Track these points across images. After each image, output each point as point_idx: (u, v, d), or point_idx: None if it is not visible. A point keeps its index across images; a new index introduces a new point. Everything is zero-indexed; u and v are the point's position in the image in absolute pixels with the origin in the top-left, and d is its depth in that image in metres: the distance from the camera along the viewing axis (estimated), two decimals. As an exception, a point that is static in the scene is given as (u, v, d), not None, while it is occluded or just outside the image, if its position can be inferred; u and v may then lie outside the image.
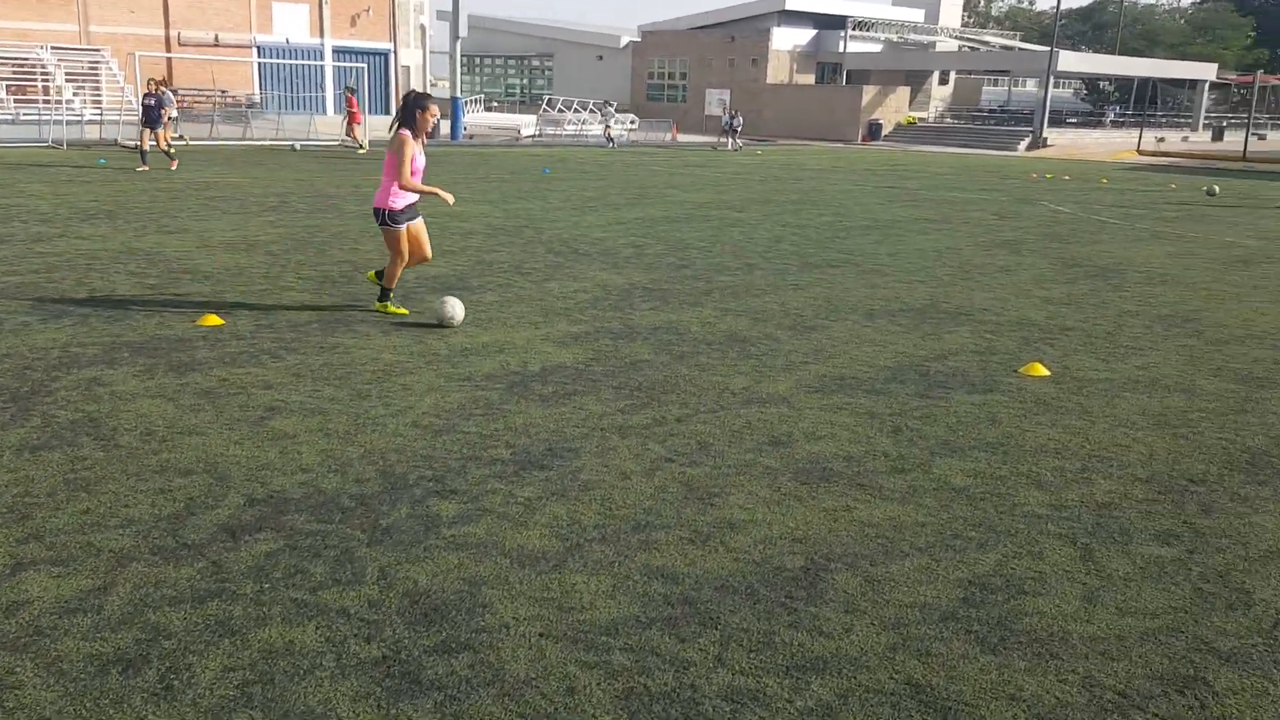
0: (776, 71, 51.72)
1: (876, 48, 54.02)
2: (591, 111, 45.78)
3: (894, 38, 54.43)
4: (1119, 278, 11.26)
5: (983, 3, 79.45)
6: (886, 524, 4.39)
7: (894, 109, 49.45)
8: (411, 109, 7.70)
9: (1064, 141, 45.30)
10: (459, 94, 37.01)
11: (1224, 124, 50.92)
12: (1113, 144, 45.78)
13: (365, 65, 32.68)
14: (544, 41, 62.29)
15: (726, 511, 4.45)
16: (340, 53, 44.13)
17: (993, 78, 63.14)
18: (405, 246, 8.03)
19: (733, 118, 38.02)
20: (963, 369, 7.05)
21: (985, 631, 3.53)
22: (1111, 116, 49.88)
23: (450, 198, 8.25)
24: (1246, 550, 4.29)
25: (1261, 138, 53.79)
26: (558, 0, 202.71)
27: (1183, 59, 57.09)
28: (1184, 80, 55.07)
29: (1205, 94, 53.49)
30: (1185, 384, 6.88)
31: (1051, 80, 44.49)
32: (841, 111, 48.38)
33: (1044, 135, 44.01)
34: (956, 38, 56.33)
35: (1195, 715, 3.12)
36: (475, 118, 41.46)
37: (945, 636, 3.49)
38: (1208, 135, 51.49)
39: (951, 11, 58.45)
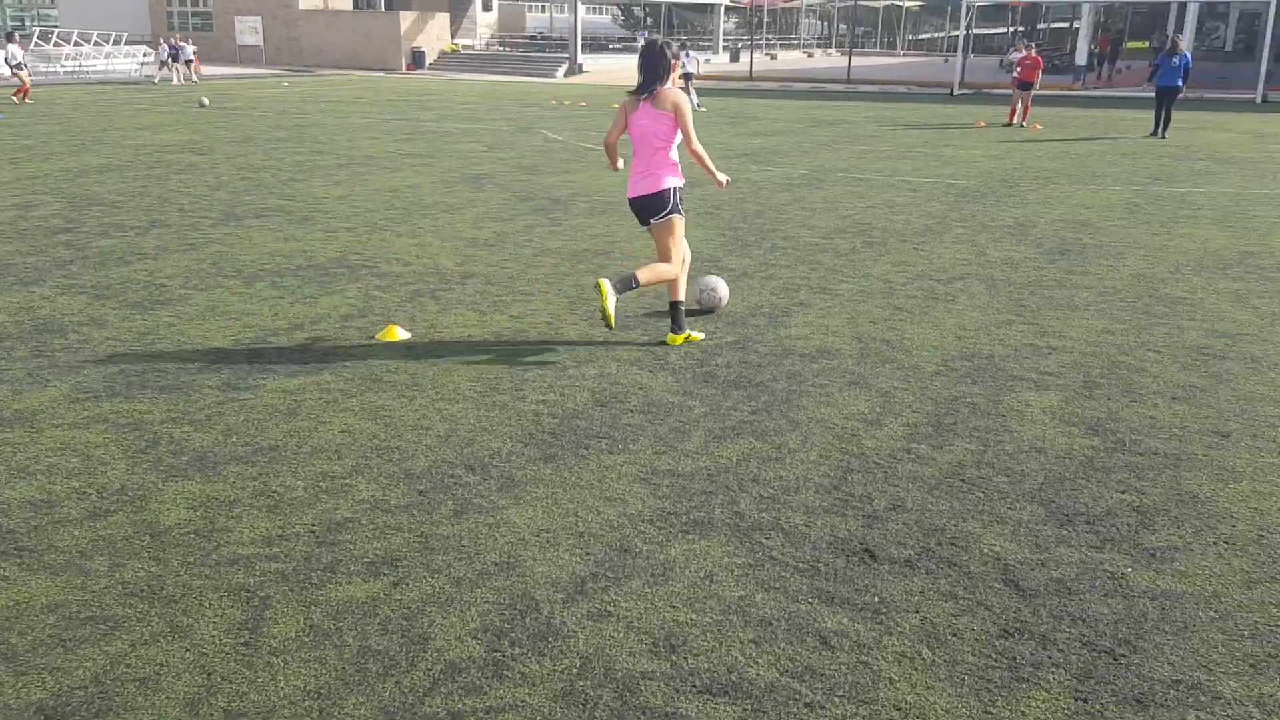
0: (309, -4, 48.61)
1: (415, -28, 52.42)
2: (97, 45, 40.43)
3: (431, -39, 53.07)
4: (562, 210, 11.27)
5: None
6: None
7: (435, 36, 48.40)
8: (669, 61, 6.12)
9: (600, 67, 46.79)
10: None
11: (738, 46, 55.21)
12: (644, 67, 48.01)
13: None
14: (35, -36, 54.04)
15: None
16: None
17: (536, 4, 63.89)
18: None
19: (175, 47, 34.39)
20: (311, 344, 6.39)
21: None
22: (642, 41, 52.31)
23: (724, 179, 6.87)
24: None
25: (773, 57, 59.09)
26: None
27: (703, -15, 61.05)
28: (705, 4, 58.96)
29: (721, 18, 57.67)
30: (552, 334, 6.72)
31: (580, 6, 45.57)
32: (381, 39, 46.54)
33: (579, 61, 45.15)
34: (494, -37, 56.14)
35: None
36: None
37: None
38: (727, 57, 55.62)
39: (488, -65, 58.02)
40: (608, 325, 6.15)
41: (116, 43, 41.19)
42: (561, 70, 44.86)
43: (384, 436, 4.84)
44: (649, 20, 65.75)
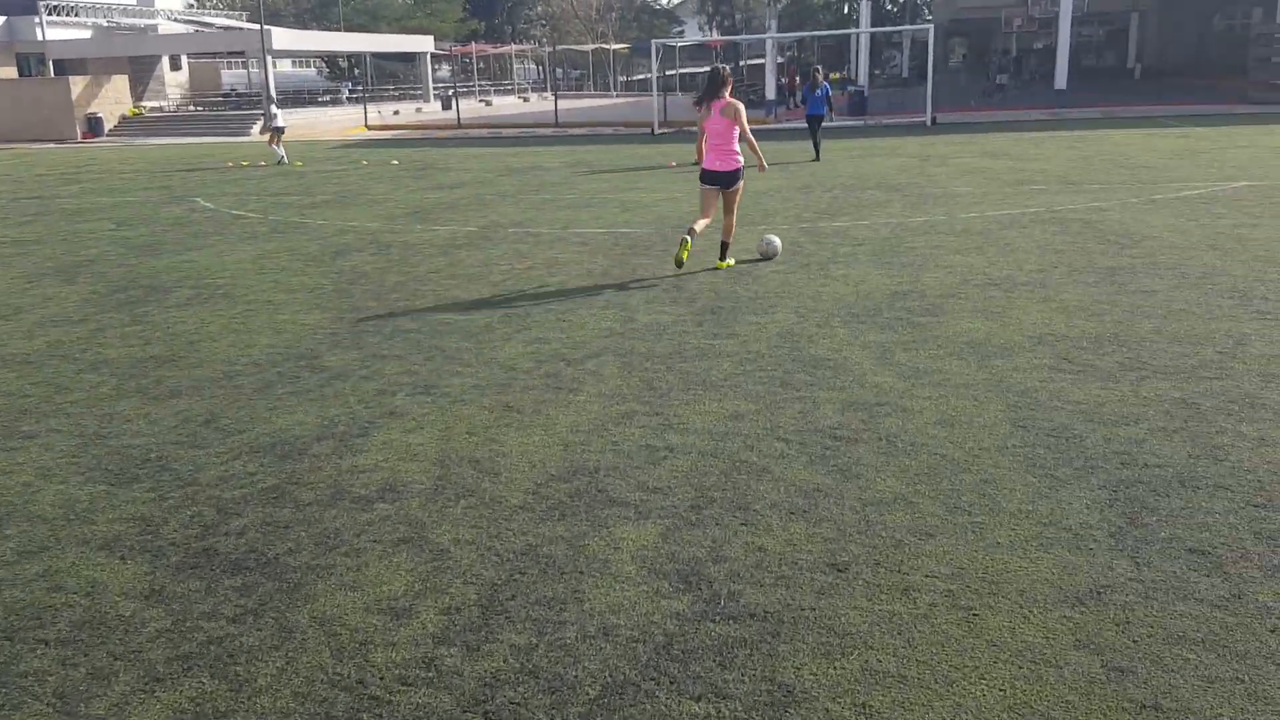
0: (-46, 64, 43.22)
1: (87, 34, 47.85)
2: None
3: (103, 22, 48.67)
4: (155, 302, 9.38)
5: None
6: None
7: (114, 100, 44.18)
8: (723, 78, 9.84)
9: (299, 121, 44.11)
10: None
11: (450, 93, 53.90)
12: (347, 120, 45.80)
13: None
14: None
15: None
16: None
17: (230, 60, 60.10)
18: None
19: None
20: None
21: None
22: (345, 93, 49.98)
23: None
24: None
25: (488, 104, 58.17)
26: None
27: (408, 33, 59.41)
28: (412, 54, 57.30)
29: (429, 65, 56.18)
30: None
31: (271, 59, 42.87)
32: (51, 107, 41.91)
33: (274, 114, 42.38)
34: (177, 19, 52.23)
35: None
36: None
37: None
38: (439, 105, 54.16)
39: (167, -9, 54.10)
40: (678, 265, 9.73)
41: None
42: (256, 127, 41.94)
43: None
44: (356, 72, 63.41)
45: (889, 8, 67.60)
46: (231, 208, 16.72)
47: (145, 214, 16.20)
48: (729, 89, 9.70)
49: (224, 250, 12.32)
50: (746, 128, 9.67)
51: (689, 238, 9.61)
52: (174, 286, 10.18)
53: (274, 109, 28.20)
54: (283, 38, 45.05)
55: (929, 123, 29.88)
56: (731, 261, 10.08)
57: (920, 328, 7.56)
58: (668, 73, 76.74)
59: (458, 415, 5.97)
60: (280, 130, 27.02)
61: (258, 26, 43.93)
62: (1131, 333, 7.20)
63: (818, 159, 20.71)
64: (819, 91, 21.35)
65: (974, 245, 10.80)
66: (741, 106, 9.61)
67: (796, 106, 41.05)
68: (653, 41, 35.45)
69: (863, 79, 39.94)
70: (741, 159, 9.80)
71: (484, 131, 38.44)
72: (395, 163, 24.93)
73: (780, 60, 79.00)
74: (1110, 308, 7.93)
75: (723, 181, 9.82)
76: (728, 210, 9.94)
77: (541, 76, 79.43)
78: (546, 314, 8.48)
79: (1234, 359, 6.50)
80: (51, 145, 38.73)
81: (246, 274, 10.76)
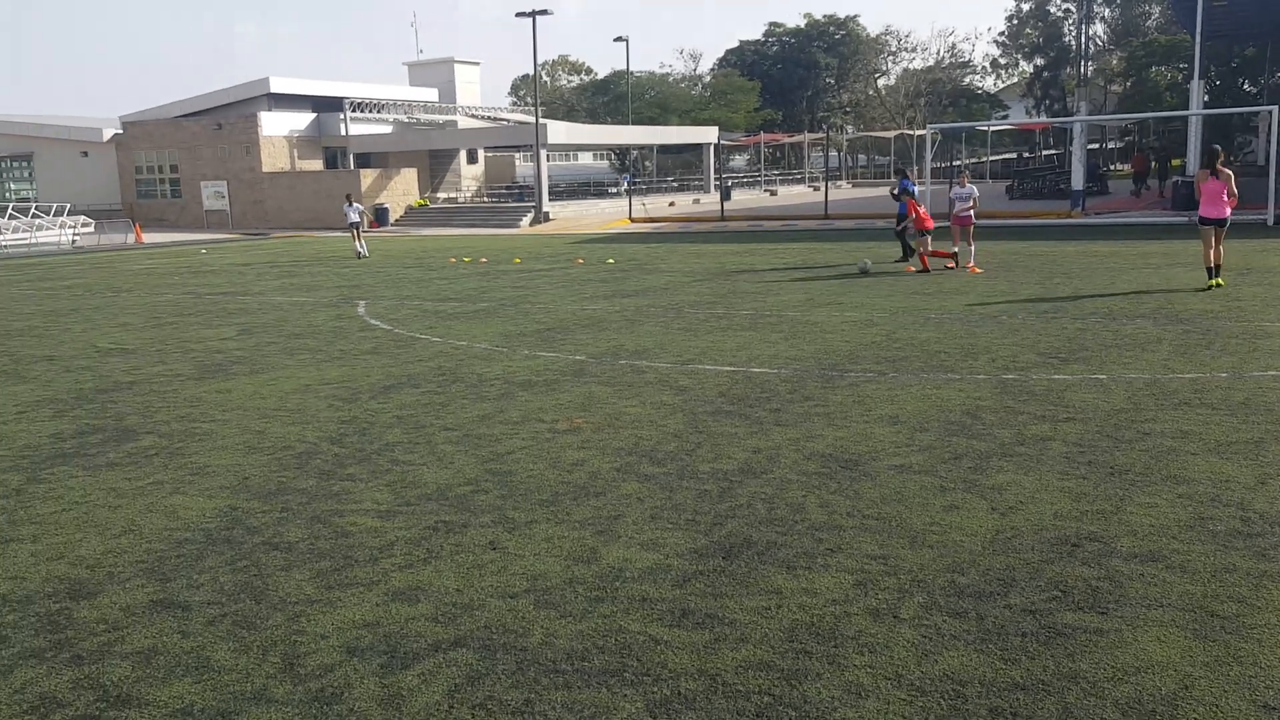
0: (273, 158, 46.97)
1: (387, 129, 50.85)
2: (34, 216, 38.72)
3: (404, 118, 51.55)
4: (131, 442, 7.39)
5: (547, 77, 79.21)
6: None
7: (402, 191, 46.24)
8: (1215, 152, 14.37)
9: (567, 214, 44.03)
10: None
11: (729, 184, 52.31)
12: (615, 212, 45.16)
13: None
14: (17, 140, 53.69)
15: None
16: None
17: (526, 152, 62.17)
18: None
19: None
20: None
21: None
22: (625, 185, 49.66)
23: None
24: None
25: (773, 193, 56.11)
26: (38, 92, 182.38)
27: (698, 124, 58.79)
28: (697, 145, 56.51)
29: (711, 156, 54.97)
30: None
31: (546, 153, 43.08)
32: (341, 198, 44.45)
33: (545, 210, 42.41)
34: (472, 115, 54.48)
35: None
36: None
37: None
38: (718, 195, 52.70)
39: (469, 90, 56.72)
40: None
41: (58, 214, 39.50)
42: (527, 219, 42.12)
43: None
44: (646, 164, 63.70)
45: (1245, 87, 59.02)
46: (377, 314, 15.10)
47: (278, 319, 14.89)
48: (1220, 160, 13.90)
49: (279, 377, 10.36)
50: (1234, 189, 13.79)
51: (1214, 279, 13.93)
52: (136, 431, 8.20)
53: (353, 205, 27.78)
54: (558, 131, 45.32)
55: (1269, 222, 24.04)
56: (1222, 281, 13.93)
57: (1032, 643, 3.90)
58: (983, 159, 71.64)
59: None
60: (357, 225, 27.21)
61: (544, 121, 44.67)
62: None
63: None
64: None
65: (1252, 436, 6.70)
66: (1231, 175, 13.79)
67: (1142, 195, 35.75)
68: (929, 127, 31.63)
69: (1191, 167, 33.84)
70: (1228, 210, 13.78)
71: (744, 224, 36.11)
72: (611, 261, 22.94)
73: (1117, 145, 71.58)
74: None
75: (1213, 224, 13.81)
76: (1216, 244, 13.85)
77: (839, 164, 76.66)
78: (490, 528, 5.54)
79: None
80: (336, 234, 40.68)
81: (249, 416, 8.64)
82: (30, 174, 54.55)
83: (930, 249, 17.98)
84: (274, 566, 5.26)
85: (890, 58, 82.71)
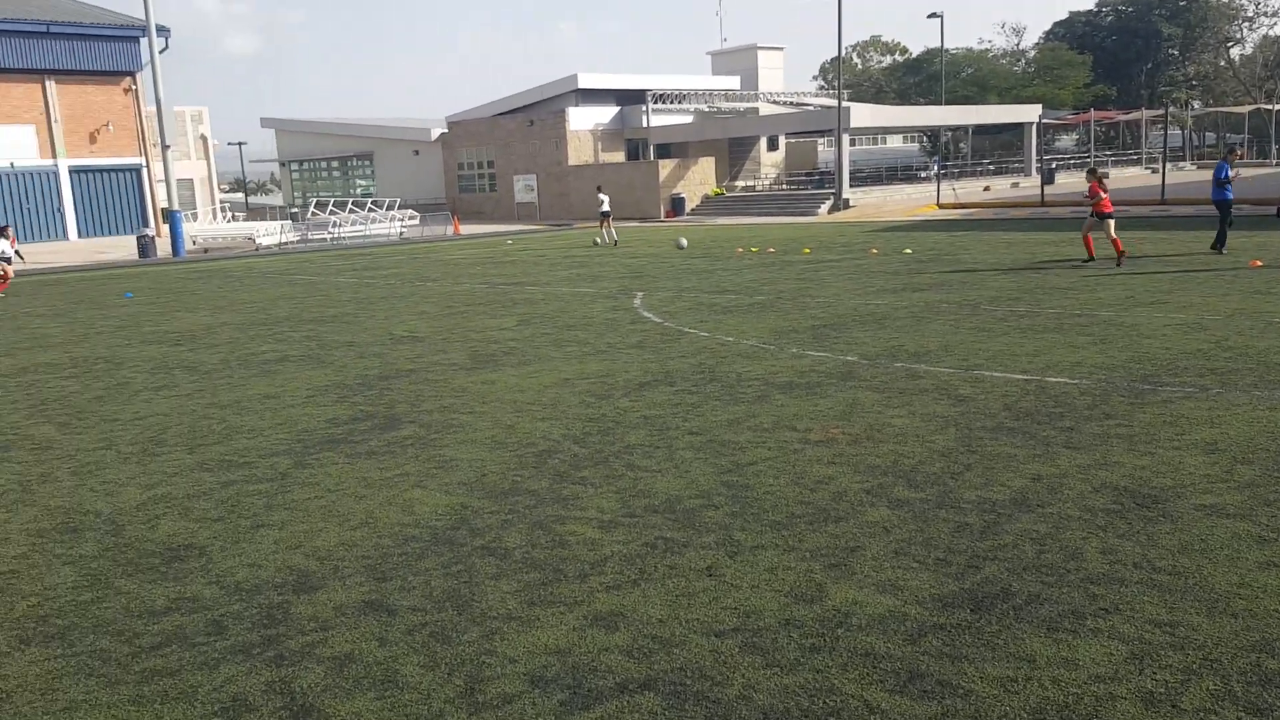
0: (579, 152, 48.86)
1: (688, 119, 51.43)
2: (370, 210, 42.57)
3: (704, 107, 51.90)
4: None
5: (858, 59, 77.34)
6: None
7: (699, 181, 46.58)
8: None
9: (869, 201, 42.49)
10: (176, 207, 33.61)
11: (1052, 166, 48.40)
12: (921, 198, 43.04)
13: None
14: (362, 141, 59.41)
15: None
16: (80, 172, 40.76)
17: (827, 138, 60.81)
18: None
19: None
20: None
21: None
22: (935, 169, 47.22)
23: None
24: None
25: (1104, 176, 51.39)
26: (378, 97, 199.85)
27: (1019, 103, 55.03)
28: (1016, 124, 52.85)
29: (1033, 136, 51.13)
30: None
31: (848, 138, 41.80)
32: (641, 188, 45.45)
33: (845, 196, 41.17)
34: (773, 101, 53.90)
35: None
36: (201, 228, 37.90)
37: None
38: (1039, 179, 48.97)
39: (772, 76, 56.17)
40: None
41: (389, 208, 43.12)
42: (825, 206, 41.13)
43: None
44: (959, 146, 60.49)
45: None
46: (651, 306, 15.01)
47: (557, 310, 15.12)
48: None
49: (542, 369, 10.39)
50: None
51: None
52: (401, 419, 8.42)
53: (601, 195, 29.76)
54: (862, 115, 43.85)
55: None
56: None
57: None
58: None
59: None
60: (607, 214, 28.90)
61: (847, 104, 43.42)
62: None
63: None
64: None
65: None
66: None
67: None
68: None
69: None
70: None
71: (1066, 211, 33.20)
72: (908, 251, 21.70)
73: None
74: None
75: None
76: None
77: (1182, 144, 69.20)
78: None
79: None
80: (635, 224, 41.62)
81: (504, 409, 8.66)
82: (371, 171, 60.17)
83: (1112, 235, 17.13)
84: (485, 574, 5.06)
85: (1246, 24, 73.59)
